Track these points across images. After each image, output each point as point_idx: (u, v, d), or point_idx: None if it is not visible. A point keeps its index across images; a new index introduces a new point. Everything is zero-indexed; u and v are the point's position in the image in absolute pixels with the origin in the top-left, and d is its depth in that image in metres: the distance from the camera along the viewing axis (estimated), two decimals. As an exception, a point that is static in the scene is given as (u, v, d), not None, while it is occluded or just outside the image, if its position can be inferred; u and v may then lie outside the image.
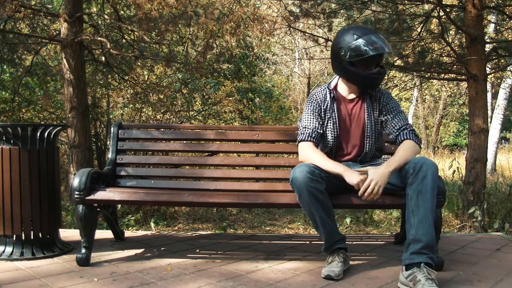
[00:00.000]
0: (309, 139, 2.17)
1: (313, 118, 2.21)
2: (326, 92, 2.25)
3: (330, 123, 2.21)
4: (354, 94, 2.24)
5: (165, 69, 5.87)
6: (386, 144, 2.53)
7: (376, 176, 1.92)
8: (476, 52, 3.82)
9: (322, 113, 2.22)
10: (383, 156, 2.35)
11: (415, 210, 1.88)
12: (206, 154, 2.73)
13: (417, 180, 1.89)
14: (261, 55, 8.47)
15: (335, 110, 2.21)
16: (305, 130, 2.20)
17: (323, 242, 2.11)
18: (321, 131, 2.20)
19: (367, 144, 2.22)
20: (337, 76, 2.29)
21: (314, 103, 2.24)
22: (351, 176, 1.96)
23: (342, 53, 2.11)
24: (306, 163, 2.02)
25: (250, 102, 8.02)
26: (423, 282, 1.74)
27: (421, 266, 1.80)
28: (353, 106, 2.24)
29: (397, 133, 2.15)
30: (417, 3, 4.40)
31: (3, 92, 5.68)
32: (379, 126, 2.23)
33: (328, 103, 2.23)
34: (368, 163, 2.24)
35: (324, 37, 4.91)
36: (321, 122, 2.21)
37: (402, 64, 4.93)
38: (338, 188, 2.04)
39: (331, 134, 2.21)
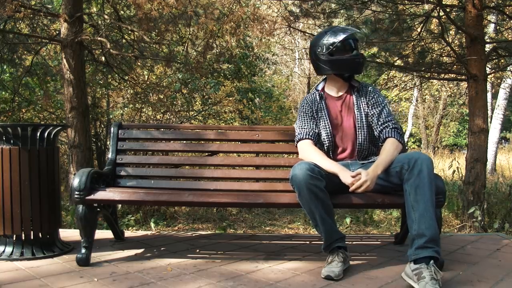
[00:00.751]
0: (307, 137, 2.26)
1: (307, 119, 2.31)
2: (315, 94, 2.36)
3: (322, 121, 2.29)
4: (341, 92, 2.34)
5: (165, 69, 5.87)
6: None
7: (367, 176, 1.97)
8: (476, 52, 3.82)
9: (315, 114, 2.31)
10: None
11: (415, 205, 1.89)
12: (206, 154, 2.73)
13: (413, 175, 1.91)
14: (261, 55, 8.48)
15: (325, 108, 2.31)
16: (302, 129, 2.29)
17: (323, 242, 2.10)
18: (317, 131, 2.29)
19: (360, 135, 2.25)
20: (324, 80, 2.40)
21: (306, 106, 2.34)
22: (346, 176, 2.01)
23: (319, 50, 2.27)
24: (305, 161, 2.04)
25: (250, 102, 8.02)
26: (427, 280, 1.73)
27: (430, 264, 1.79)
28: (342, 102, 2.32)
29: (380, 128, 2.21)
30: (417, 3, 4.40)
31: (3, 92, 5.68)
32: (369, 118, 2.28)
33: (317, 103, 2.33)
34: (368, 161, 2.25)
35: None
36: (315, 123, 2.30)
37: (402, 64, 4.93)
38: (337, 187, 2.05)
39: (325, 131, 2.27)
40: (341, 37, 2.21)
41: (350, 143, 2.28)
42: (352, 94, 2.31)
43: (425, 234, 1.84)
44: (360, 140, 2.25)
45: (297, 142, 2.30)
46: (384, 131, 2.19)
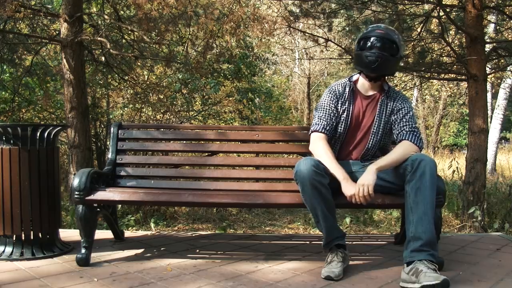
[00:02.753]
0: (322, 131, 2.18)
1: (329, 110, 2.21)
2: (346, 84, 2.27)
3: (344, 115, 2.22)
4: (371, 91, 2.25)
5: (165, 69, 5.87)
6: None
7: (361, 180, 1.95)
8: (476, 52, 3.82)
9: (339, 105, 2.23)
10: None
11: (413, 207, 1.89)
12: (206, 154, 2.73)
13: (415, 177, 1.90)
14: (261, 55, 8.48)
15: (352, 103, 2.23)
16: (320, 121, 2.20)
17: (323, 241, 2.10)
18: (335, 123, 2.21)
19: (371, 141, 2.22)
20: (359, 73, 2.31)
21: (333, 94, 2.24)
22: (348, 188, 1.97)
23: (355, 45, 2.24)
24: (311, 157, 2.04)
25: (250, 102, 8.03)
26: (425, 270, 1.75)
27: (422, 260, 1.81)
28: (368, 103, 2.24)
29: (398, 131, 2.16)
30: (417, 3, 4.40)
31: (3, 92, 5.68)
32: (388, 127, 2.22)
33: (346, 95, 2.24)
34: (369, 161, 2.24)
35: (324, 37, 4.91)
36: (336, 115, 2.22)
37: (402, 64, 4.93)
38: (339, 186, 2.05)
39: (343, 126, 2.21)
40: (370, 33, 2.16)
41: (360, 145, 2.25)
42: (380, 98, 2.23)
43: (421, 237, 1.84)
44: (369, 145, 2.22)
45: (312, 132, 2.21)
46: (400, 133, 2.14)
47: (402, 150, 2.05)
